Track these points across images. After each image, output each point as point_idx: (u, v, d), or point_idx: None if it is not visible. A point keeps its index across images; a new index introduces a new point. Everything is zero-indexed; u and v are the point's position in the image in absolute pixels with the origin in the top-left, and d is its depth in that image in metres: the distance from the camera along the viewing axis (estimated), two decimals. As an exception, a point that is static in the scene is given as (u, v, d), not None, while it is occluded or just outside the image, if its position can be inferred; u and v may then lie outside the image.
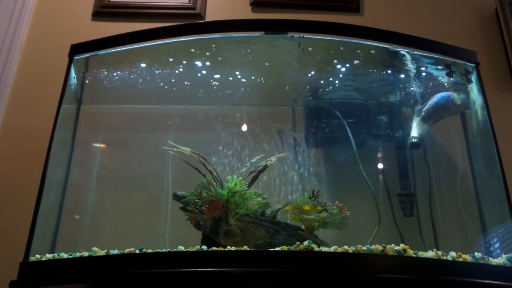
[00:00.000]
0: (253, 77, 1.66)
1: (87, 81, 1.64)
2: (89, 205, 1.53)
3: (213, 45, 1.55)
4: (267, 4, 1.93)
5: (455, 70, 1.57)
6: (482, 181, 1.50)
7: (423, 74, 1.66)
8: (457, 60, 1.55)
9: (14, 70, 1.77)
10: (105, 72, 1.63)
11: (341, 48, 1.53)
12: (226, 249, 1.14)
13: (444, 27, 1.93)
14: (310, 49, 1.49)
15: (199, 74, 1.64)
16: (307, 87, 1.68)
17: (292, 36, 1.42)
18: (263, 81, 1.67)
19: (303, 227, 1.28)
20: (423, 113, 1.55)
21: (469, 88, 1.56)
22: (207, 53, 1.59)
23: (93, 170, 1.57)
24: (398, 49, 1.52)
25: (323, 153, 1.65)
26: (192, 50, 1.55)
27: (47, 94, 1.70)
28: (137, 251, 1.18)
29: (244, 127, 1.65)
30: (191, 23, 1.73)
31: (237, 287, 1.21)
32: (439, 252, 1.17)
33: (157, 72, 1.63)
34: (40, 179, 1.33)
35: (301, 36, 1.43)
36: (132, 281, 1.14)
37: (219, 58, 1.61)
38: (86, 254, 1.22)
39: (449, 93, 1.55)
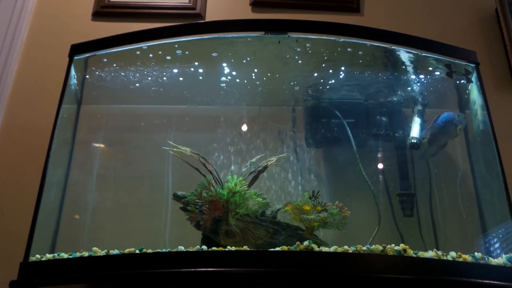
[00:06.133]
0: (253, 77, 1.65)
1: (87, 81, 1.64)
2: (89, 205, 1.53)
3: (213, 45, 1.55)
4: (267, 4, 1.93)
5: (455, 70, 1.57)
6: (482, 181, 1.50)
7: (423, 74, 1.66)
8: (457, 60, 1.55)
9: (14, 70, 1.77)
10: (105, 72, 1.63)
11: (340, 48, 1.53)
12: (226, 249, 1.14)
13: (444, 27, 1.92)
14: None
15: (199, 74, 1.64)
16: (308, 87, 1.67)
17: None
18: (263, 81, 1.67)
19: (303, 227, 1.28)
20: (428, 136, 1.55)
21: (469, 88, 1.56)
22: (207, 53, 1.58)
23: (93, 170, 1.57)
24: (398, 49, 1.52)
25: (323, 153, 1.65)
26: (192, 50, 1.55)
27: (47, 94, 1.70)
28: (137, 251, 1.18)
29: (244, 127, 1.65)
30: (191, 23, 1.73)
31: (237, 287, 1.21)
32: (439, 252, 1.17)
33: (157, 72, 1.62)
34: (40, 179, 1.33)
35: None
36: (132, 281, 1.13)
37: (219, 58, 1.61)
38: (86, 254, 1.22)
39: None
